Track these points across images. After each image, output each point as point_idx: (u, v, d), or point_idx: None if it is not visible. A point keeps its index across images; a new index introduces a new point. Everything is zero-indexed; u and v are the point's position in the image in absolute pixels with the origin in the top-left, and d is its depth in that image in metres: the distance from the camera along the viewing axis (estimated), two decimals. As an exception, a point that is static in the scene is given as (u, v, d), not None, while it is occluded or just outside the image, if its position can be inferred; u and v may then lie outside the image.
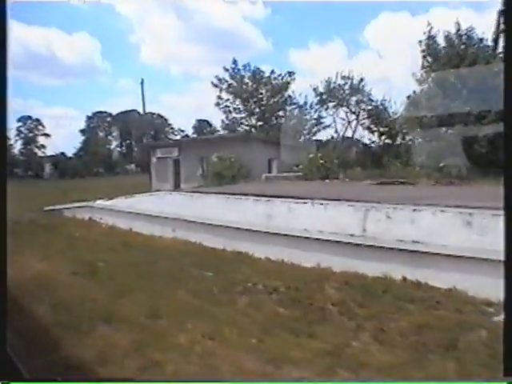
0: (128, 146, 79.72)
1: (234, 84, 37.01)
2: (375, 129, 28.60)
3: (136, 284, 7.95)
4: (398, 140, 26.08)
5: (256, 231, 9.78)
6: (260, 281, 8.01)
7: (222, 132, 52.32)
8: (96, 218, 15.12)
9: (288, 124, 32.58)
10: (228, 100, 37.55)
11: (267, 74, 37.24)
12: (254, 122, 36.78)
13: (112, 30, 77.33)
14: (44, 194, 26.83)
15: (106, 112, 78.33)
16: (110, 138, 77.06)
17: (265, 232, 9.62)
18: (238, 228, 10.14)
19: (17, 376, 2.36)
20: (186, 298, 7.27)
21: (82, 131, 74.38)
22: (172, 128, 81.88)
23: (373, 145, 28.91)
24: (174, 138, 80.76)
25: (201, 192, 12.98)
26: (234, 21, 72.71)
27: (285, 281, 7.88)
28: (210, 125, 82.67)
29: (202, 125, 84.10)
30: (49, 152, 63.89)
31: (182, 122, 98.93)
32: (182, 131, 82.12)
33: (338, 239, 8.59)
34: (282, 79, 37.02)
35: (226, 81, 37.32)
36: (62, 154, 61.57)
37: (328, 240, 8.72)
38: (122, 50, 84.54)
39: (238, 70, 37.20)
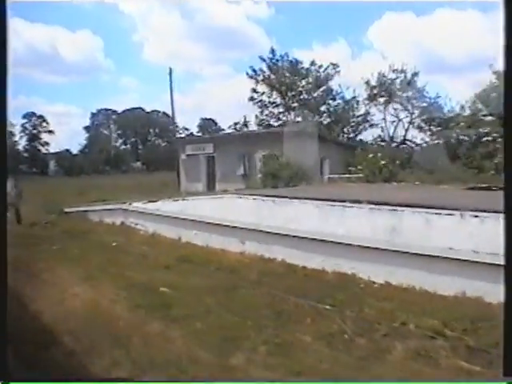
0: (133, 144, 77.97)
1: (272, 76, 33.68)
2: (427, 128, 26.11)
3: (235, 325, 5.54)
4: (453, 140, 23.47)
5: (367, 247, 7.36)
6: (407, 318, 5.60)
7: (228, 129, 49.67)
8: (130, 223, 12.69)
9: (334, 120, 29.95)
10: (264, 93, 34.29)
11: (306, 66, 34.03)
12: (292, 117, 33.50)
13: (115, 28, 75.72)
14: (56, 192, 24.38)
15: (110, 109, 76.81)
16: (114, 135, 75.01)
17: (383, 249, 7.19)
18: (342, 243, 7.71)
19: (17, 376, 2.14)
20: (323, 349, 4.90)
21: (87, 128, 72.42)
22: (177, 126, 79.80)
23: (425, 145, 26.34)
24: (179, 136, 79.70)
25: (283, 197, 10.50)
26: (238, 20, 71.08)
27: (439, 318, 5.50)
28: (216, 123, 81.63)
29: (207, 123, 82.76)
30: (53, 149, 61.66)
31: (186, 120, 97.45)
32: (187, 129, 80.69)
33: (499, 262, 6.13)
34: (324, 71, 33.90)
35: (263, 71, 33.88)
36: (67, 150, 59.34)
37: (481, 262, 6.29)
38: (124, 49, 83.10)
39: (277, 60, 33.81)
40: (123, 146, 75.93)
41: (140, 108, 78.55)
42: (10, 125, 60.18)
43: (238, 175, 21.69)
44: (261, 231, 9.00)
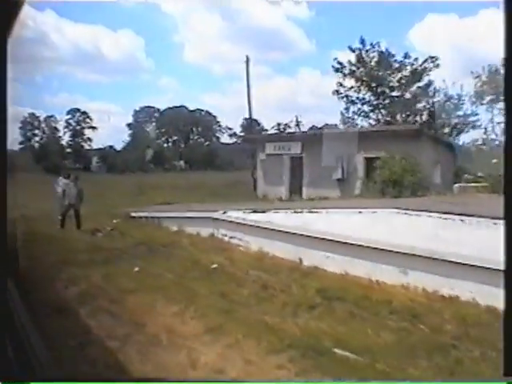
0: (174, 142, 76.56)
1: (361, 68, 29.74)
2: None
3: None
4: None
5: None
6: None
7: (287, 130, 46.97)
8: (221, 235, 10.14)
9: (432, 120, 26.55)
10: (352, 88, 30.37)
11: (400, 58, 29.83)
12: (380, 116, 29.33)
13: (157, 28, 74.68)
14: (111, 190, 22.01)
15: (153, 107, 75.39)
16: (157, 132, 73.88)
17: None
18: None
19: (17, 376, 1.96)
20: None
21: (129, 125, 71.17)
22: (220, 126, 77.16)
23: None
24: (221, 136, 77.21)
25: (479, 216, 7.67)
26: (278, 21, 68.53)
27: None
28: (259, 124, 78.80)
29: (250, 123, 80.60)
30: (95, 145, 60.43)
31: (228, 120, 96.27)
32: (230, 129, 77.14)
33: None
34: (420, 65, 29.38)
35: (353, 64, 29.79)
36: (111, 147, 57.76)
37: None
38: (165, 49, 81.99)
39: (367, 51, 29.75)
40: (165, 145, 74.57)
41: (183, 106, 76.95)
42: (54, 120, 59.34)
43: (333, 180, 18.37)
44: (442, 260, 6.24)
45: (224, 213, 10.17)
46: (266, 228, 8.91)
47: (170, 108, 75.15)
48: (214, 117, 77.06)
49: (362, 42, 29.80)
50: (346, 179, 18.33)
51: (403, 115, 28.31)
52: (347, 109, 30.46)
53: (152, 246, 9.67)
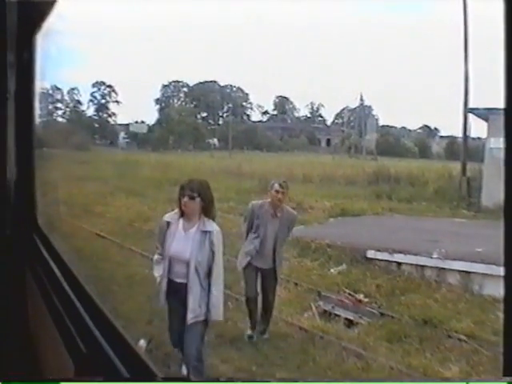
0: (204, 119, 72.04)
1: None
2: None
3: None
4: None
5: None
6: None
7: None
8: None
9: None
10: None
11: None
12: None
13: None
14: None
15: (182, 81, 70.76)
16: (190, 106, 69.89)
17: None
18: None
19: (16, 376, 2.14)
20: None
21: (157, 100, 66.50)
22: (250, 103, 73.92)
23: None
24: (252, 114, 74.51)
25: None
26: None
27: None
28: (291, 102, 74.08)
29: (282, 101, 75.37)
30: (122, 120, 55.69)
31: (258, 97, 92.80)
32: (261, 107, 73.97)
33: None
34: None
35: None
36: (143, 122, 52.55)
37: None
38: (189, 19, 76.75)
39: None
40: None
41: (213, 81, 73.20)
42: (78, 93, 54.72)
43: None
44: None
45: None
46: None
47: (200, 83, 71.06)
48: (247, 94, 73.71)
49: None
50: None
51: None
52: None
53: None
